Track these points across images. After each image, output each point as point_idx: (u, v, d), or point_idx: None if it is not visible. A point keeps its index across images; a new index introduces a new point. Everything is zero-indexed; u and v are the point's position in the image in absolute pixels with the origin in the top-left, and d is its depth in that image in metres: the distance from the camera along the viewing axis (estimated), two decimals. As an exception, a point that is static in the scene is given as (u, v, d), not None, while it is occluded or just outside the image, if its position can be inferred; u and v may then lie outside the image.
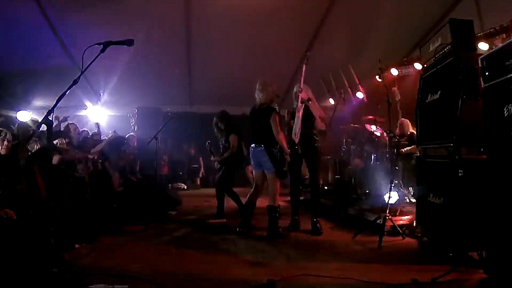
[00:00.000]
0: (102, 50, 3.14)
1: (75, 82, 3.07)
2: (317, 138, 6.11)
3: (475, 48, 4.68)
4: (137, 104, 12.72)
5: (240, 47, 10.93)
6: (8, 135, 4.88)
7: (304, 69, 6.07)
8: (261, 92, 5.73)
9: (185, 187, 12.63)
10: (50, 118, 3.04)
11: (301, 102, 5.80)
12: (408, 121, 7.58)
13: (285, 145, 5.56)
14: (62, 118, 7.33)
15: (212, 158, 7.54)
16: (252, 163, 5.96)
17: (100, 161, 7.43)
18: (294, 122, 5.85)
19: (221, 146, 7.30)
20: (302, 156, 5.97)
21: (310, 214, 6.01)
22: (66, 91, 3.04)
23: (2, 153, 4.77)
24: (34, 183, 4.73)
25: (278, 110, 5.71)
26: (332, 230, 6.08)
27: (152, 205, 6.99)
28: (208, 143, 7.71)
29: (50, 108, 3.17)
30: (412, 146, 7.09)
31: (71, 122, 7.80)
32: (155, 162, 7.58)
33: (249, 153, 5.95)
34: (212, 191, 7.19)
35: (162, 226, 6.39)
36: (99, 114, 13.42)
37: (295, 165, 6.03)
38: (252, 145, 5.82)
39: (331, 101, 11.99)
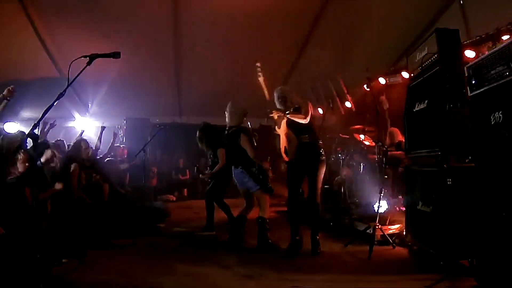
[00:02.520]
0: (88, 63, 3.12)
1: (61, 95, 3.04)
2: (321, 147, 5.35)
3: (461, 57, 4.72)
4: (125, 115, 12.64)
5: (229, 57, 10.94)
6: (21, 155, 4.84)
7: (262, 82, 5.38)
8: (228, 115, 5.78)
9: (174, 199, 12.53)
10: (36, 132, 3.00)
11: (278, 118, 5.24)
12: (397, 130, 7.60)
13: (261, 162, 5.66)
14: (49, 125, 7.21)
15: (200, 176, 7.51)
16: (236, 182, 5.92)
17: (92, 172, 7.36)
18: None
19: (209, 160, 7.17)
20: (304, 168, 5.29)
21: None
22: (53, 103, 3.00)
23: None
24: (24, 198, 4.68)
25: (250, 127, 5.72)
26: (322, 241, 6.02)
27: (141, 218, 6.89)
28: (196, 166, 7.74)
29: (36, 121, 3.14)
30: (400, 152, 6.97)
31: (83, 137, 7.61)
32: (143, 174, 7.51)
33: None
34: (202, 202, 7.14)
35: (150, 239, 6.34)
36: (87, 125, 13.29)
37: (294, 179, 5.39)
38: (232, 167, 5.86)
39: (320, 110, 12.00)
